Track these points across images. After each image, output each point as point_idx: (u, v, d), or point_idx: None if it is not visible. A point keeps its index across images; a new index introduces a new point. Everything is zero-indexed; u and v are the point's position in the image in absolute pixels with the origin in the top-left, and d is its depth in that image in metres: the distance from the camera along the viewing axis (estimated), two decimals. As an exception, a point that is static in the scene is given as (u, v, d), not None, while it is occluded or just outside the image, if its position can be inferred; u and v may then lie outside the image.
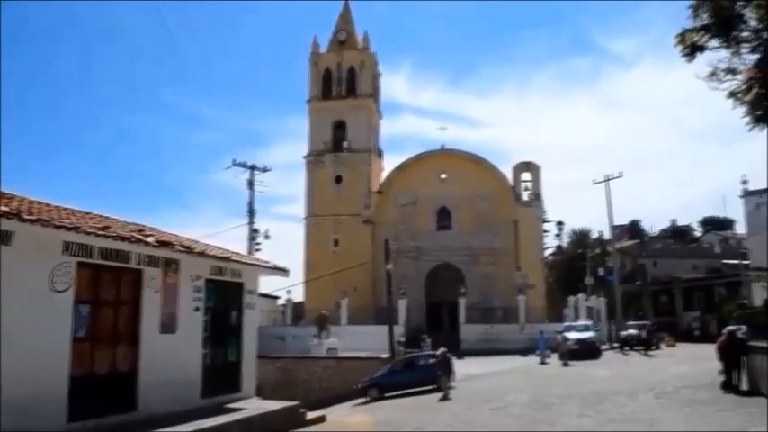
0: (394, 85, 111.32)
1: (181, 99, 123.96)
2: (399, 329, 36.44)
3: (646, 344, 34.94)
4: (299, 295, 49.66)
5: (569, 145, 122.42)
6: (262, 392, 18.96)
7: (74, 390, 10.14)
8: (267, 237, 40.31)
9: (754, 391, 15.60)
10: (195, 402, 12.79)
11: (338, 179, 52.83)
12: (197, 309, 13.31)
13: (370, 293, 47.82)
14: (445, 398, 19.89)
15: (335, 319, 40.48)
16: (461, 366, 28.40)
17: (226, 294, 14.61)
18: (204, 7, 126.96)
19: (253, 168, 39.09)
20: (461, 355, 36.47)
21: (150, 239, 11.96)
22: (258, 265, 16.44)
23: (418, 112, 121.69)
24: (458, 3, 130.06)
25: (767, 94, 15.76)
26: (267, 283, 35.14)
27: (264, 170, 39.62)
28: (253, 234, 38.57)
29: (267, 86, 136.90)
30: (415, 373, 24.15)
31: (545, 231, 56.02)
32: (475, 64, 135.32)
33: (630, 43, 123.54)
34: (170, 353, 12.24)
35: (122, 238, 11.08)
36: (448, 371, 20.90)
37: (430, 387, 22.73)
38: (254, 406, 13.61)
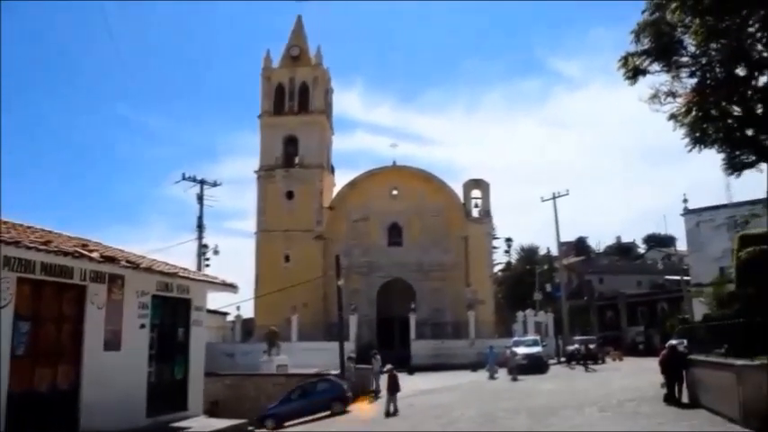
0: (347, 101, 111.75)
1: (130, 111, 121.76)
2: (350, 346, 36.29)
3: (587, 358, 35.36)
4: (248, 311, 49.05)
5: (519, 163, 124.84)
6: (216, 410, 18.72)
7: (12, 409, 9.78)
8: (216, 252, 39.84)
9: (694, 404, 16.08)
10: (140, 421, 12.50)
11: (290, 195, 52.49)
12: (143, 326, 13.03)
13: (321, 309, 47.49)
14: (391, 414, 19.88)
15: (286, 335, 40.09)
16: (412, 382, 28.50)
17: (173, 311, 14.35)
18: (155, 18, 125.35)
19: (202, 183, 38.64)
20: (412, 370, 36.57)
21: (94, 254, 11.67)
22: (206, 281, 16.20)
23: (370, 129, 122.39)
24: (409, 22, 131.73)
25: (705, 116, 16.45)
26: (216, 300, 34.66)
27: (214, 185, 39.26)
28: (202, 249, 38.03)
29: (219, 100, 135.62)
30: (311, 399, 23.15)
31: (494, 248, 56.91)
32: (426, 82, 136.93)
33: (579, 66, 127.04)
34: (114, 371, 11.94)
35: (65, 253, 10.80)
36: (395, 388, 20.89)
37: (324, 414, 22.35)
38: (200, 424, 13.37)
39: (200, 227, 37.87)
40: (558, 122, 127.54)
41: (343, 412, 22.38)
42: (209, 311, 23.93)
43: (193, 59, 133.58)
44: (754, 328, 13.48)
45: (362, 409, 22.97)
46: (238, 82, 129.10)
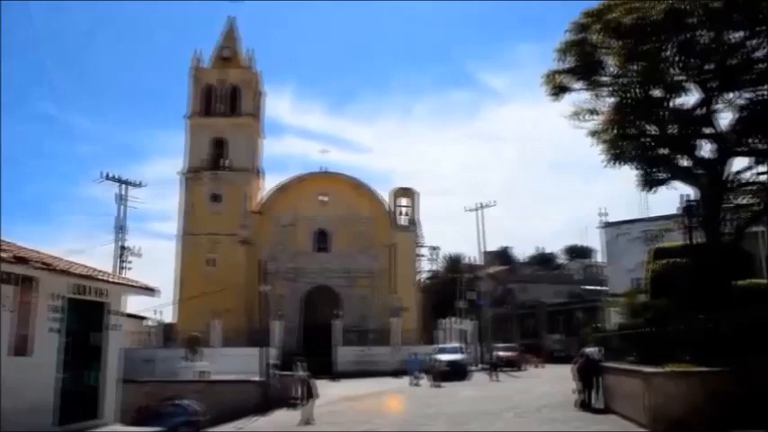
0: (278, 105, 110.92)
1: (48, 106, 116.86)
2: (274, 352, 35.86)
3: (497, 367, 35.58)
4: (170, 316, 47.79)
5: (447, 173, 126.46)
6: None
7: None
8: (138, 254, 38.68)
9: (607, 410, 16.70)
10: (49, 430, 11.99)
11: (216, 197, 51.52)
12: (55, 330, 12.51)
13: (245, 315, 46.77)
14: (307, 422, 19.72)
15: (209, 341, 39.27)
16: (336, 389, 28.41)
17: (88, 315, 13.81)
18: (82, 15, 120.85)
19: (125, 183, 37.50)
20: (336, 377, 36.45)
21: (5, 255, 11.15)
22: (124, 285, 15.72)
23: (301, 134, 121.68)
24: (341, 30, 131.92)
25: (623, 134, 17.20)
26: (137, 303, 33.69)
27: (138, 185, 38.15)
28: (122, 251, 36.86)
29: (143, 98, 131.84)
30: (160, 422, 21.43)
31: (421, 256, 57.43)
32: (357, 90, 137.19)
33: (506, 80, 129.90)
34: (22, 377, 11.40)
35: (-27, 253, 10.28)
36: (310, 394, 20.71)
37: None
38: (114, 433, 12.94)
39: (121, 228, 36.73)
40: (486, 135, 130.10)
41: None
42: (128, 316, 23.20)
43: (120, 55, 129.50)
44: (665, 337, 14.15)
45: (281, 417, 22.67)
46: (166, 81, 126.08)
